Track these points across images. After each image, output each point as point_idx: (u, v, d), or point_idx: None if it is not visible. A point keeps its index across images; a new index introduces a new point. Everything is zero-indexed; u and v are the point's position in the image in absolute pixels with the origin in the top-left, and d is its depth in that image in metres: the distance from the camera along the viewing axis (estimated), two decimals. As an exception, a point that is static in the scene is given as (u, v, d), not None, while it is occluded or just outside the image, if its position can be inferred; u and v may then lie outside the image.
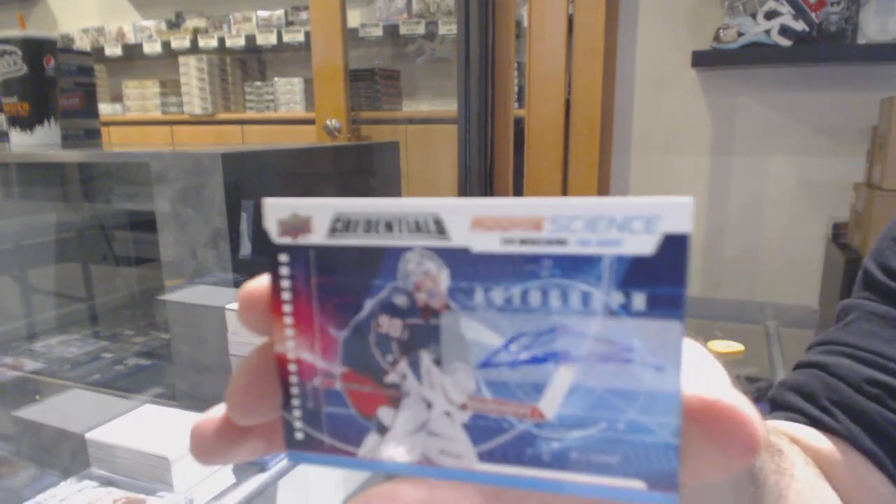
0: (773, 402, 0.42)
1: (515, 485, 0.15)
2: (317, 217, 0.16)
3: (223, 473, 0.63)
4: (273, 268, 0.17)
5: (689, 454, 0.14)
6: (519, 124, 1.98)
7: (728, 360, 1.00)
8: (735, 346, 1.02)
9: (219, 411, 0.17)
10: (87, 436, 0.62)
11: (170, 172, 0.80)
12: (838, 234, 1.83)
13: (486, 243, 0.15)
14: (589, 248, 0.14)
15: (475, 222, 0.15)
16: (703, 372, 0.15)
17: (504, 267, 0.15)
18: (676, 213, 0.14)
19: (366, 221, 0.16)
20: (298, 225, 0.16)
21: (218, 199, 0.78)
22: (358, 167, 1.18)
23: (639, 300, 0.14)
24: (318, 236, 0.16)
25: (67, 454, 0.71)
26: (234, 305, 0.70)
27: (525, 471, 0.15)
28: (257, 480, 0.64)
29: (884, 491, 0.36)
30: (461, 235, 0.15)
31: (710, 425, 0.14)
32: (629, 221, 0.14)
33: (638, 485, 0.14)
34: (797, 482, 0.30)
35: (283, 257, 0.16)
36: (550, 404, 0.15)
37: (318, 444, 0.17)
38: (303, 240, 0.16)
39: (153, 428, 0.64)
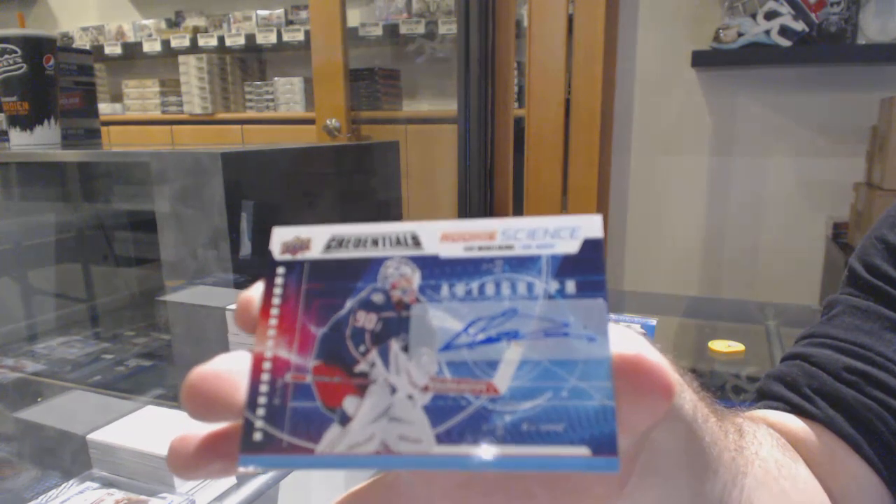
0: (759, 392, 0.44)
1: (469, 466, 0.16)
2: (315, 238, 0.19)
3: (224, 474, 0.63)
4: (270, 278, 0.19)
5: (619, 405, 0.16)
6: (519, 124, 1.98)
7: (728, 360, 1.01)
8: (735, 346, 1.02)
9: (198, 431, 0.18)
10: (89, 437, 0.62)
11: (170, 172, 0.80)
12: (838, 234, 1.84)
13: (452, 250, 0.19)
14: (530, 251, 0.18)
15: (444, 236, 0.19)
16: (623, 338, 0.17)
17: (466, 267, 0.18)
18: (591, 224, 0.19)
19: (356, 239, 0.19)
20: (299, 245, 0.19)
21: (218, 199, 0.78)
22: (358, 167, 1.18)
23: (570, 286, 0.18)
24: (314, 253, 0.19)
25: (69, 455, 0.71)
26: (235, 306, 0.70)
27: (479, 449, 0.16)
28: (259, 481, 0.64)
29: (860, 472, 0.38)
30: (432, 246, 0.19)
31: (631, 376, 0.17)
32: (559, 231, 0.18)
33: (583, 451, 0.16)
34: (762, 460, 0.31)
35: (280, 270, 0.19)
36: (503, 378, 0.17)
37: (275, 443, 0.17)
38: (300, 256, 0.19)
39: (155, 429, 0.64)
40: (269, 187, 0.90)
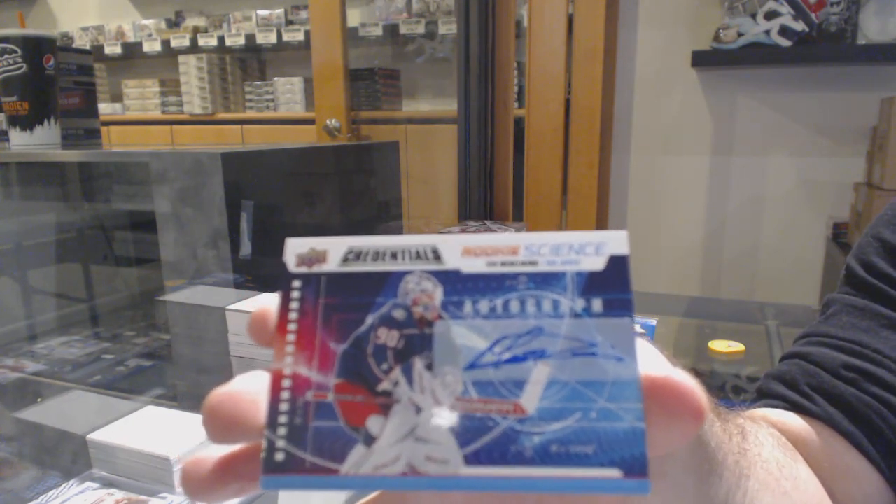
0: (758, 392, 0.44)
1: (498, 488, 0.16)
2: (332, 251, 0.19)
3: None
4: (285, 291, 0.18)
5: (649, 427, 0.16)
6: (519, 124, 1.98)
7: (728, 360, 1.01)
8: (735, 346, 1.02)
9: (212, 453, 0.18)
10: (89, 437, 0.62)
11: (170, 172, 0.80)
12: (838, 234, 1.84)
13: (474, 266, 0.18)
14: (555, 267, 0.18)
15: (465, 251, 0.18)
16: (650, 358, 0.17)
17: (489, 283, 0.18)
18: (617, 241, 0.18)
19: (374, 252, 0.19)
20: (314, 257, 0.19)
21: (218, 199, 0.78)
22: (358, 167, 1.18)
23: (597, 304, 0.17)
24: (330, 266, 0.19)
25: (69, 456, 0.71)
26: (235, 306, 0.70)
27: (508, 471, 0.16)
28: (258, 481, 0.64)
29: (860, 469, 0.38)
30: (454, 260, 0.18)
31: (662, 399, 0.17)
32: (584, 247, 0.18)
33: (614, 473, 0.16)
34: (764, 461, 0.31)
35: (297, 283, 0.18)
36: (531, 399, 0.17)
37: (298, 463, 0.17)
38: (317, 269, 0.18)
39: (155, 429, 0.64)
40: (269, 187, 0.90)
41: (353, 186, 1.13)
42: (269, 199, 0.89)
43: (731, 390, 0.92)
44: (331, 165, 1.11)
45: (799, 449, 0.38)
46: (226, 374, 0.72)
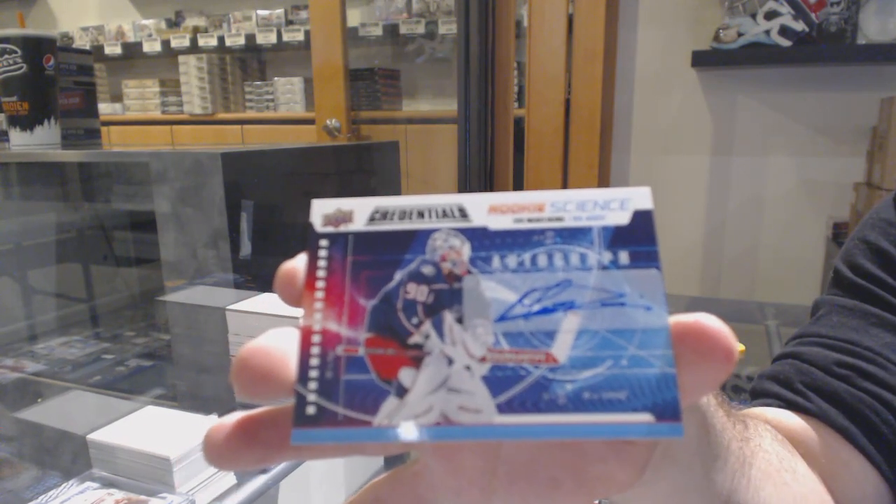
0: (752, 392, 0.45)
1: (533, 435, 0.16)
2: (358, 211, 0.19)
3: (225, 474, 0.63)
4: (313, 250, 0.18)
5: (680, 372, 0.16)
6: (519, 124, 1.98)
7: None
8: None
9: (233, 417, 0.18)
10: (89, 437, 0.62)
11: (169, 172, 0.80)
12: (838, 234, 1.84)
13: (501, 222, 0.18)
14: (581, 222, 0.18)
15: (492, 208, 0.19)
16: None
17: (516, 239, 0.18)
18: (641, 196, 0.19)
19: (401, 211, 0.19)
20: (341, 217, 0.19)
21: (218, 199, 0.78)
22: (358, 167, 1.18)
23: (624, 256, 0.18)
24: (357, 225, 0.19)
25: (69, 456, 0.71)
26: (235, 306, 0.70)
27: (542, 418, 0.16)
28: (259, 481, 0.64)
29: (855, 463, 0.38)
30: (480, 218, 0.19)
31: (692, 342, 0.17)
32: (608, 203, 0.19)
33: (646, 418, 0.16)
34: (764, 451, 0.31)
35: (324, 242, 0.18)
36: (562, 348, 0.17)
37: (330, 417, 0.17)
38: (343, 228, 0.19)
39: (155, 429, 0.64)
40: (269, 187, 0.90)
41: (353, 186, 1.13)
42: (269, 199, 0.89)
43: (730, 390, 0.93)
44: (331, 165, 1.11)
45: (795, 446, 0.38)
46: (226, 375, 0.72)
